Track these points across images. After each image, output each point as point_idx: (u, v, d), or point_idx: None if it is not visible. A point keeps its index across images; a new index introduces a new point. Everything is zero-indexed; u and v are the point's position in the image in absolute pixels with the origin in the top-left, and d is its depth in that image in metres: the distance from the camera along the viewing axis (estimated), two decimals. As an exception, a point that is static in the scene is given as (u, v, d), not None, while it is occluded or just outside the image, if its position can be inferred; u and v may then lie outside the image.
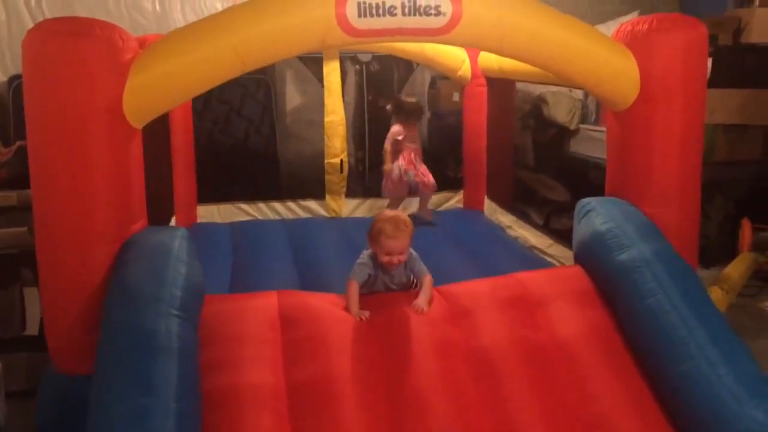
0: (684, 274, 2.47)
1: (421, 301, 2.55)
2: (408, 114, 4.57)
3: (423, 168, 4.62)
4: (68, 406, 2.27)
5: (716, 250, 4.75)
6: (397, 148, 4.56)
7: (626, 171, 2.85)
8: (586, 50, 2.66)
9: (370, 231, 2.60)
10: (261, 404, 2.18)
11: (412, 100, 4.70)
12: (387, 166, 4.56)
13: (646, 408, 2.29)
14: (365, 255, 2.65)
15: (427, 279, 2.64)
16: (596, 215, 2.75)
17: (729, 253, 4.68)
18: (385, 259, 2.58)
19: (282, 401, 2.22)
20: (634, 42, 2.72)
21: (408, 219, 2.63)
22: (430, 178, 4.60)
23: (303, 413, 2.19)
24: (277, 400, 2.22)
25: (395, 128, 4.57)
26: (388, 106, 4.73)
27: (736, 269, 4.38)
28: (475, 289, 2.70)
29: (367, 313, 2.52)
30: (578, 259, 2.89)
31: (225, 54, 2.41)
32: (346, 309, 2.54)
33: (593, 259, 2.72)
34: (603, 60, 2.69)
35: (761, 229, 4.72)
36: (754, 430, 1.98)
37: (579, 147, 5.31)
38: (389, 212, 2.72)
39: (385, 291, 2.68)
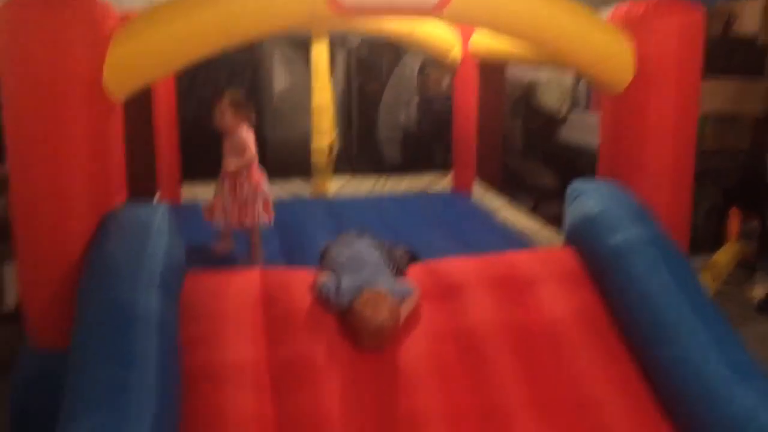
0: (675, 258, 2.44)
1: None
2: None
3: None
4: (44, 382, 2.21)
5: (703, 238, 4.75)
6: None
7: (619, 155, 2.82)
8: (581, 31, 2.61)
9: (352, 320, 2.31)
10: (242, 381, 2.13)
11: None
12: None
13: (635, 391, 2.26)
14: (334, 291, 2.39)
15: (413, 293, 2.42)
16: (588, 198, 2.71)
17: (715, 241, 4.69)
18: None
19: (264, 378, 2.17)
20: (629, 25, 2.68)
21: (392, 318, 2.27)
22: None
23: (285, 391, 2.14)
24: (259, 377, 2.17)
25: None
26: (229, 99, 3.40)
27: (723, 257, 4.39)
28: (463, 267, 2.66)
29: None
30: (569, 242, 2.85)
31: (209, 27, 2.34)
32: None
33: (584, 241, 2.69)
34: (598, 41, 2.64)
35: (749, 218, 4.72)
36: (744, 414, 1.96)
37: (569, 134, 5.29)
38: (375, 323, 2.25)
39: None
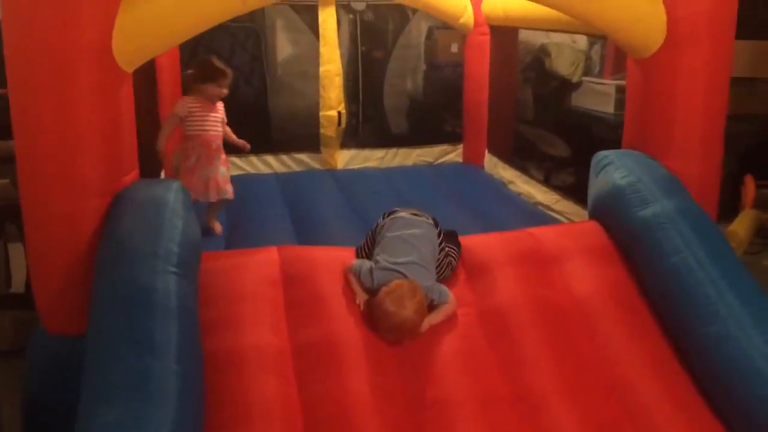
0: (709, 230, 2.35)
1: (425, 321, 2.22)
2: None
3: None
4: (58, 367, 2.14)
5: (719, 207, 4.66)
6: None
7: (646, 122, 2.71)
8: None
9: (373, 307, 2.21)
10: (265, 366, 2.05)
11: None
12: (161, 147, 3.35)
13: (668, 370, 2.19)
14: (367, 268, 2.31)
15: (449, 302, 2.30)
16: (615, 169, 2.61)
17: (731, 209, 4.60)
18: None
19: (287, 363, 2.10)
20: (661, -17, 2.54)
21: (415, 318, 2.16)
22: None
23: (309, 375, 2.07)
24: (282, 362, 2.10)
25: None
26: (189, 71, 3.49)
27: (742, 226, 4.30)
28: (487, 244, 2.57)
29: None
30: (594, 215, 2.77)
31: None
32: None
33: (612, 214, 2.60)
34: (626, 1, 2.51)
35: (764, 186, 4.62)
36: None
37: (581, 100, 5.15)
38: (394, 320, 2.14)
39: None
